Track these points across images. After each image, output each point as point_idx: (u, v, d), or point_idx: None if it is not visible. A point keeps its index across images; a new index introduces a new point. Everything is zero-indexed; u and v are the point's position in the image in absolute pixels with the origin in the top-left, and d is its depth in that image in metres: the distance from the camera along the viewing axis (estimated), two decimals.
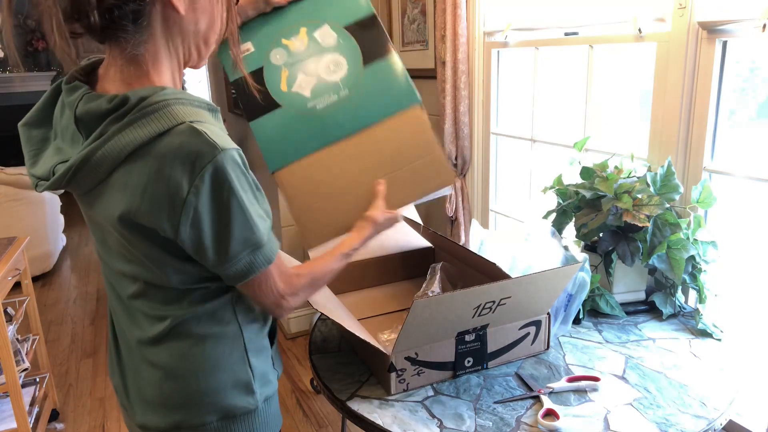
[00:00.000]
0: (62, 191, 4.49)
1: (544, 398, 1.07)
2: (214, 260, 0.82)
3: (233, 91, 1.16)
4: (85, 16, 0.74)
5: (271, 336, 1.02)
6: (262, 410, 0.95)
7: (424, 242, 1.61)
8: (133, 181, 0.77)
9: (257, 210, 0.83)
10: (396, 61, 1.11)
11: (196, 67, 0.90)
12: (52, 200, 4.31)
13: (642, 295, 1.46)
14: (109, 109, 0.77)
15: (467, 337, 1.13)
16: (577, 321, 1.37)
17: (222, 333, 0.90)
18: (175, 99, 0.78)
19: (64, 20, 0.75)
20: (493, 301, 1.07)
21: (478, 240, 1.45)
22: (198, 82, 4.94)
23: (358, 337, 1.08)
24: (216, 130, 0.79)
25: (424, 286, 1.35)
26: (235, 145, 0.79)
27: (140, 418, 0.93)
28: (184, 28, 0.82)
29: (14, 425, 2.02)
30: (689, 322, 1.37)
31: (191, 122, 0.76)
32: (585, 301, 1.39)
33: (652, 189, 1.38)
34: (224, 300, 0.90)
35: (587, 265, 1.28)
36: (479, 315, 1.09)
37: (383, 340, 1.23)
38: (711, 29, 1.37)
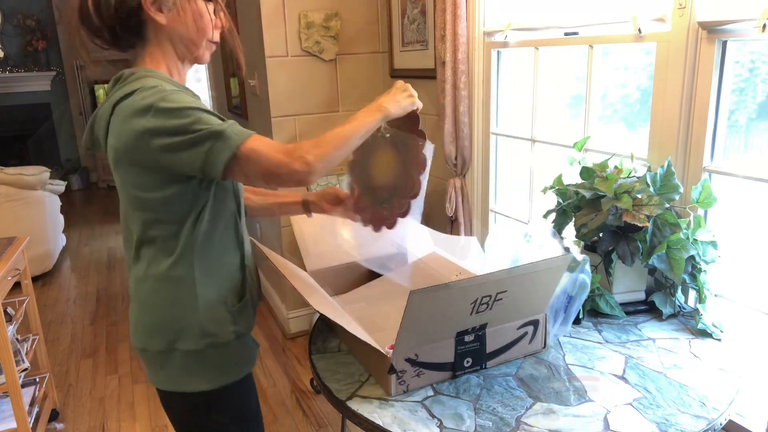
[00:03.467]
0: (64, 187, 4.50)
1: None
2: (189, 165, 0.99)
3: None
4: (100, 33, 1.06)
5: (242, 294, 1.17)
6: (207, 354, 1.11)
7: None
8: (116, 129, 1.02)
9: (197, 117, 0.98)
10: None
11: (198, 62, 1.14)
12: (52, 200, 4.32)
13: (642, 295, 1.46)
14: (114, 79, 1.08)
15: (467, 338, 1.14)
16: (577, 321, 1.37)
17: (181, 277, 1.09)
18: (152, 75, 1.05)
19: (91, 36, 1.07)
20: (490, 296, 1.07)
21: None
22: (197, 81, 4.94)
23: (357, 339, 1.08)
24: (173, 87, 1.03)
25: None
26: (185, 92, 1.05)
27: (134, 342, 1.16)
28: (170, 33, 1.08)
29: (14, 425, 2.02)
30: (689, 322, 1.37)
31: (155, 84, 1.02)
32: (585, 301, 1.39)
33: (651, 189, 1.38)
34: (186, 248, 1.08)
35: (587, 267, 1.28)
36: (477, 312, 1.09)
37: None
38: (711, 29, 1.37)
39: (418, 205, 1.24)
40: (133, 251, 1.13)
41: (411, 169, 1.23)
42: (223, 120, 1.01)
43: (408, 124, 1.22)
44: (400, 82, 1.21)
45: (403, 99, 1.18)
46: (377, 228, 1.30)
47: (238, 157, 0.99)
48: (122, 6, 1.03)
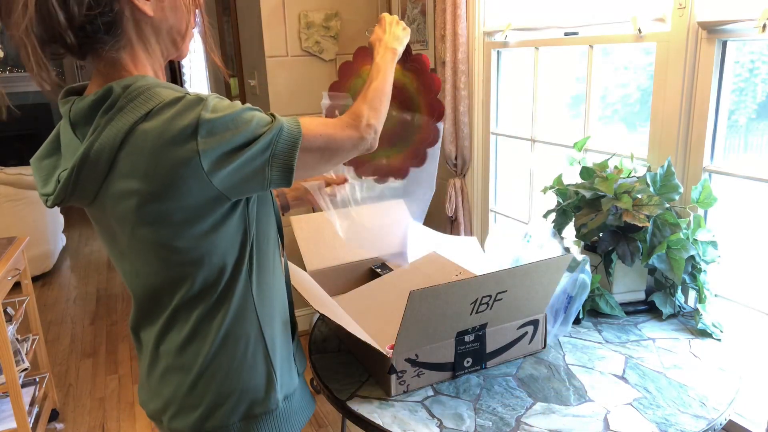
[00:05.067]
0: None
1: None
2: (261, 181, 0.83)
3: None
4: (60, 38, 0.78)
5: (292, 332, 1.04)
6: (282, 409, 0.97)
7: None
8: (141, 164, 0.77)
9: (254, 119, 0.82)
10: None
11: (179, 58, 0.94)
12: None
13: (642, 295, 1.46)
14: (95, 101, 0.80)
15: (467, 338, 1.13)
16: (577, 321, 1.37)
17: (243, 332, 0.92)
18: (156, 84, 0.81)
19: (42, 45, 0.78)
20: (490, 296, 1.07)
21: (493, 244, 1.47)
22: (198, 82, 4.95)
23: (356, 339, 1.08)
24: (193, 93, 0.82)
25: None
26: (211, 94, 0.82)
27: (168, 422, 0.95)
28: (156, 27, 0.86)
29: (14, 425, 2.02)
30: (689, 322, 1.37)
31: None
32: (585, 301, 1.39)
33: (651, 189, 1.38)
34: (244, 296, 0.91)
35: (587, 267, 1.28)
36: (477, 312, 1.09)
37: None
38: (711, 29, 1.37)
39: (433, 154, 1.20)
40: (165, 317, 0.91)
41: (422, 110, 1.20)
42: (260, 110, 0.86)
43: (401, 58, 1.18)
44: (389, 16, 1.15)
45: (401, 32, 1.12)
46: (382, 179, 1.24)
47: (305, 149, 0.85)
48: None
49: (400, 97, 1.20)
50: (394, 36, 1.11)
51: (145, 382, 1.00)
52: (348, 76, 1.25)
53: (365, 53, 1.20)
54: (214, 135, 0.77)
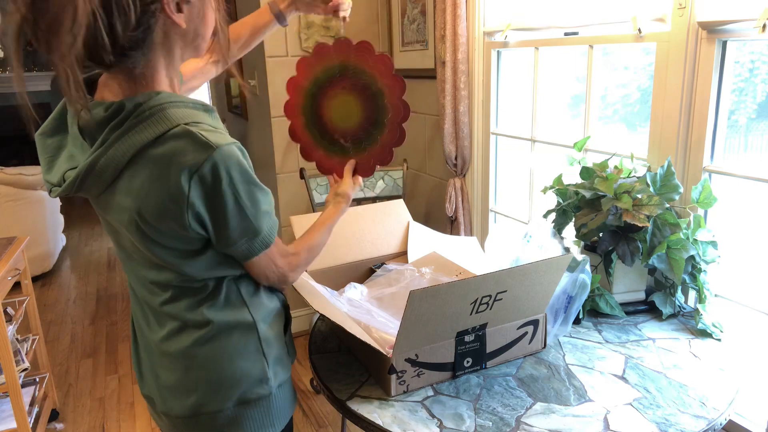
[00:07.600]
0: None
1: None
2: (218, 245, 0.90)
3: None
4: (100, 58, 0.78)
5: (286, 324, 1.09)
6: (276, 396, 1.01)
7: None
8: (136, 185, 0.82)
9: (255, 199, 0.88)
10: None
11: (199, 56, 0.95)
12: (51, 200, 4.31)
13: (642, 295, 1.46)
14: (107, 117, 0.82)
15: (467, 338, 1.13)
16: (577, 321, 1.37)
17: (236, 323, 0.96)
18: (169, 103, 0.83)
19: (79, 66, 0.77)
20: (490, 296, 1.07)
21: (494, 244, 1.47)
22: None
23: (357, 339, 1.08)
24: (210, 129, 0.84)
25: None
26: (231, 140, 0.84)
27: (161, 406, 1.00)
28: (183, 35, 0.87)
29: (14, 425, 2.02)
30: (689, 322, 1.37)
31: (185, 124, 0.81)
32: (585, 301, 1.39)
33: (651, 189, 1.38)
34: (236, 291, 0.97)
35: (588, 267, 1.28)
36: (477, 312, 1.09)
37: None
38: (711, 29, 1.37)
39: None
40: (159, 308, 0.97)
41: (388, 110, 1.21)
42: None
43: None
44: (361, 178, 1.25)
45: (356, 190, 1.23)
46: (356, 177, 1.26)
47: (259, 258, 0.94)
48: (143, 17, 0.78)
49: (363, 96, 1.22)
50: (354, 192, 1.22)
51: (144, 367, 1.05)
52: (306, 74, 1.28)
53: (326, 50, 1.23)
54: (207, 199, 0.83)
